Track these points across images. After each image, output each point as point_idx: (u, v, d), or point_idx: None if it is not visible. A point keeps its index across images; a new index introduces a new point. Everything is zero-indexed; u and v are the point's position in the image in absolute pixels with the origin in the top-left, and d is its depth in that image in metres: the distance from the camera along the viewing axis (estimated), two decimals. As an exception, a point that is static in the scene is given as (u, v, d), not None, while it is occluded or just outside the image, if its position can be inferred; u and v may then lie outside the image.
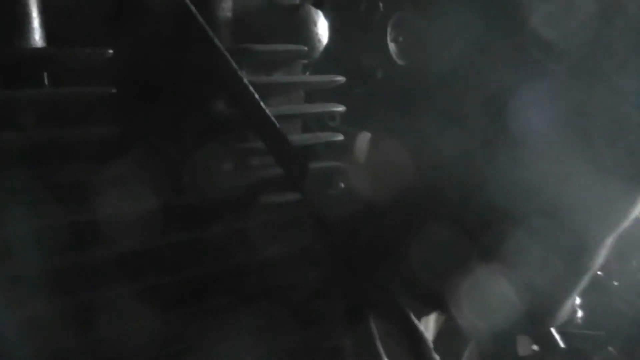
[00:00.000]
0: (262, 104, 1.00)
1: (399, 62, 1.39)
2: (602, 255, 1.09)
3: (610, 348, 1.71)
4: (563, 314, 1.15)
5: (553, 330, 1.56)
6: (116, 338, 0.91)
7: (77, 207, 0.90)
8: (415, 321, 1.08)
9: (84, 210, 0.90)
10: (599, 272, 1.58)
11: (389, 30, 1.38)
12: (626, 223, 1.07)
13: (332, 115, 1.28)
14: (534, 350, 1.58)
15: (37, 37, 0.89)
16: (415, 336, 1.07)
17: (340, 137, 1.18)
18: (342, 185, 1.16)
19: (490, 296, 1.07)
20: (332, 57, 1.24)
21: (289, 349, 1.08)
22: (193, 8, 0.96)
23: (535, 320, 1.13)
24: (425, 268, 1.06)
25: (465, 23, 1.04)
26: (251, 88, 0.99)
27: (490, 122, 1.04)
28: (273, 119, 1.00)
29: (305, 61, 1.17)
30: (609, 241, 1.08)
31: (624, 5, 0.99)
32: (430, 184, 1.07)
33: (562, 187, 1.01)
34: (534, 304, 1.09)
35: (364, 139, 1.25)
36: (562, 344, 1.57)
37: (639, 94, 0.99)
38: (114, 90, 0.88)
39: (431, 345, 1.09)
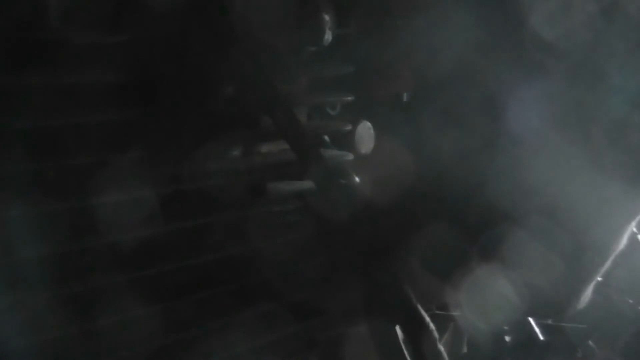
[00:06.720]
0: (278, 90, 0.99)
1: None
2: (613, 250, 1.10)
3: (590, 342, 1.73)
4: (575, 304, 1.16)
5: (532, 322, 1.57)
6: (117, 327, 0.90)
7: (79, 195, 0.87)
8: (423, 312, 1.08)
9: (87, 197, 0.87)
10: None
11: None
12: (632, 220, 1.08)
13: (333, 104, 1.27)
14: (511, 342, 1.59)
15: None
16: (423, 327, 1.07)
17: (349, 126, 1.17)
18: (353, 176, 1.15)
19: (491, 292, 1.08)
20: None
21: (290, 339, 1.07)
22: None
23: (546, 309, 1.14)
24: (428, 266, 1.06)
25: (466, 23, 1.04)
26: (267, 74, 0.98)
27: (490, 122, 1.05)
28: (289, 105, 0.99)
29: (313, 49, 1.15)
30: (619, 238, 1.10)
31: (624, 5, 1.00)
32: (430, 182, 1.08)
33: (562, 186, 1.02)
34: (538, 297, 1.10)
35: (364, 128, 1.24)
36: (541, 337, 1.59)
37: (639, 94, 1.00)
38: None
39: (437, 336, 1.09)
